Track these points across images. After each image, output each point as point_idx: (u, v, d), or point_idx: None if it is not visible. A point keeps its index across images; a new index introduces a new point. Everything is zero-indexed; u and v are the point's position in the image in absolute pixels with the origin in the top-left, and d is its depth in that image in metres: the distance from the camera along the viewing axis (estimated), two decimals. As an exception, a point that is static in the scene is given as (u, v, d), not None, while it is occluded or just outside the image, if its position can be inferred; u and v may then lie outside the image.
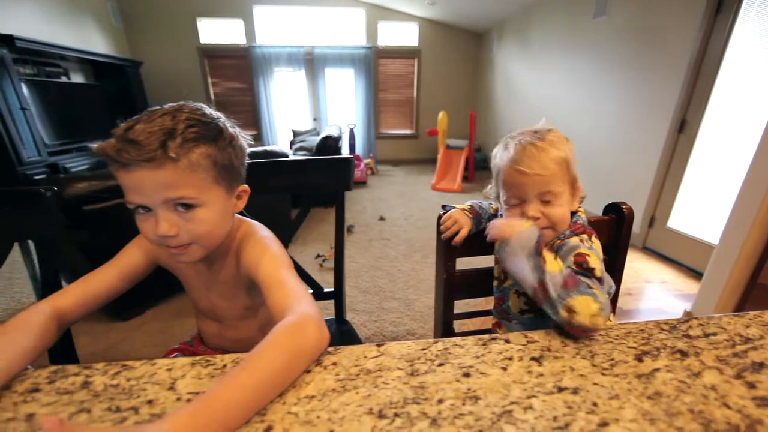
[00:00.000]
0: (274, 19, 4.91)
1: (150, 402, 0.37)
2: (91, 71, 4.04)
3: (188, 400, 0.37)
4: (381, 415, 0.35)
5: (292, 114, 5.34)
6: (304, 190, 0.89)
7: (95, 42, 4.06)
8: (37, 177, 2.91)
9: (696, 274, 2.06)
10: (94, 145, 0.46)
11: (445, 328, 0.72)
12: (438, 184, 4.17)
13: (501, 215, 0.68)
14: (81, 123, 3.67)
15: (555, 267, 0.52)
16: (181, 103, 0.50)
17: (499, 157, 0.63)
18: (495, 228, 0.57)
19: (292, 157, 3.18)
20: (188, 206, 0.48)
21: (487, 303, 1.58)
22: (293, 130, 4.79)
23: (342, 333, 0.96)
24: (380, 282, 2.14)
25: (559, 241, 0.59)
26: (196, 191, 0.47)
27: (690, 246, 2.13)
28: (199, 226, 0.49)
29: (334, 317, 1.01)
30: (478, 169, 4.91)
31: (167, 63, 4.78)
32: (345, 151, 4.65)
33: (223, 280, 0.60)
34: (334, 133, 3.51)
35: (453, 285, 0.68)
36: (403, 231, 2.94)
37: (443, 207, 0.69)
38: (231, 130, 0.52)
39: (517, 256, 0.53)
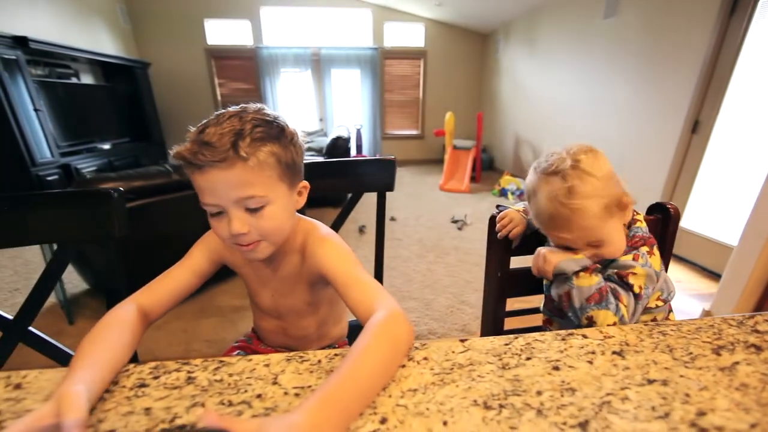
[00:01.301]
0: (280, 20, 4.93)
1: (259, 396, 0.39)
2: (100, 72, 4.05)
3: (296, 395, 0.39)
4: (487, 407, 0.37)
5: (298, 114, 5.36)
6: (349, 190, 0.90)
7: (104, 43, 4.07)
8: (49, 178, 2.92)
9: (710, 274, 2.08)
10: (173, 151, 0.48)
11: (495, 325, 0.73)
12: (446, 184, 4.19)
13: None
14: (90, 124, 3.68)
15: (586, 282, 0.56)
16: (242, 105, 0.52)
17: (534, 204, 0.61)
18: (537, 254, 0.60)
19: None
20: (257, 207, 0.49)
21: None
22: (300, 131, 4.80)
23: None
24: (396, 282, 2.16)
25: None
26: (264, 189, 0.49)
27: (704, 246, 2.15)
28: (268, 222, 0.50)
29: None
30: (484, 169, 4.94)
31: (175, 64, 4.79)
32: (353, 152, 4.67)
33: (287, 277, 0.62)
34: (344, 133, 3.53)
35: (506, 283, 0.70)
36: (415, 231, 2.96)
37: (497, 207, 0.71)
38: (291, 128, 0.54)
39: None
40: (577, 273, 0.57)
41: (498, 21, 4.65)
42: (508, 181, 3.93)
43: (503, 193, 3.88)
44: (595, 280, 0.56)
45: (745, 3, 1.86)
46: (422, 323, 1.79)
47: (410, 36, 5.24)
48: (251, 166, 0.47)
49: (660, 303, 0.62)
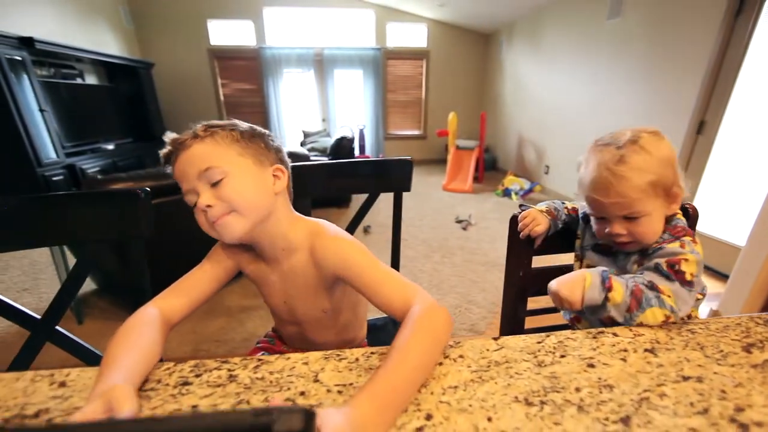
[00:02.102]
0: (284, 21, 4.93)
1: (303, 394, 0.39)
2: (103, 72, 4.04)
3: (339, 392, 0.39)
4: (528, 403, 0.37)
5: (301, 115, 5.36)
6: (366, 191, 0.91)
7: (107, 43, 4.07)
8: (55, 179, 2.92)
9: (717, 274, 2.09)
10: (161, 154, 0.53)
11: (515, 324, 0.74)
12: (449, 184, 4.20)
13: (582, 216, 0.71)
14: (94, 124, 3.68)
15: (619, 297, 0.52)
16: None
17: (582, 172, 0.62)
18: (555, 295, 0.56)
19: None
20: (219, 181, 0.51)
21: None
22: (303, 131, 4.80)
23: (398, 331, 0.98)
24: (404, 282, 2.16)
25: (656, 244, 0.59)
26: (221, 161, 0.51)
27: (710, 246, 2.15)
28: (231, 192, 0.51)
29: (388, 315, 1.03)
30: (487, 169, 4.94)
31: (178, 64, 4.79)
32: (356, 152, 4.67)
33: (302, 282, 0.60)
34: (348, 134, 3.53)
35: (528, 282, 0.71)
36: (420, 231, 2.97)
37: (520, 207, 0.71)
38: (258, 129, 0.57)
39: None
40: (606, 297, 0.53)
41: (501, 21, 4.66)
42: (511, 181, 3.94)
43: (507, 193, 3.88)
44: (622, 291, 0.52)
45: (751, 3, 1.87)
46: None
47: (413, 36, 5.24)
48: (207, 142, 0.51)
49: (700, 296, 0.62)
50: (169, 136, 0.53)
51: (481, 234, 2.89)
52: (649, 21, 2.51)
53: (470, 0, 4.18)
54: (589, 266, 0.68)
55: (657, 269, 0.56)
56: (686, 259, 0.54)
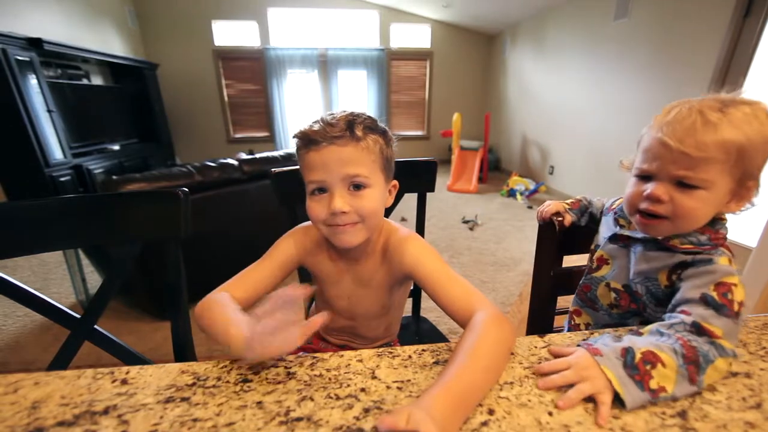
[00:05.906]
0: (288, 22, 4.94)
1: (363, 390, 0.40)
2: (108, 73, 4.05)
3: (398, 388, 0.40)
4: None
5: (304, 115, 5.37)
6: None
7: (112, 44, 4.07)
8: (62, 179, 2.92)
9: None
10: (297, 131, 0.54)
11: (543, 323, 0.75)
12: (454, 185, 4.21)
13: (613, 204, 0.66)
14: (100, 125, 3.69)
15: (671, 375, 0.38)
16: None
17: (663, 112, 0.49)
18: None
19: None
20: (359, 186, 0.53)
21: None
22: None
23: (422, 330, 1.00)
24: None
25: (695, 249, 0.48)
26: (368, 171, 0.53)
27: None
28: (368, 204, 0.53)
29: (411, 315, 1.04)
30: (491, 169, 4.96)
31: (182, 65, 4.80)
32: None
33: (369, 277, 0.62)
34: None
35: (558, 282, 0.72)
36: (427, 232, 2.94)
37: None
38: (390, 134, 0.58)
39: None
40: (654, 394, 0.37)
41: (505, 22, 4.67)
42: (516, 182, 3.95)
43: (512, 193, 3.90)
44: (674, 367, 0.38)
45: (760, 4, 1.89)
46: (442, 323, 1.80)
47: (416, 37, 5.25)
48: (362, 147, 0.52)
49: None
50: (324, 119, 0.52)
51: (488, 234, 2.90)
52: (656, 22, 2.52)
53: (474, 1, 4.20)
54: (601, 260, 0.60)
55: (705, 301, 0.43)
56: (736, 284, 0.44)
